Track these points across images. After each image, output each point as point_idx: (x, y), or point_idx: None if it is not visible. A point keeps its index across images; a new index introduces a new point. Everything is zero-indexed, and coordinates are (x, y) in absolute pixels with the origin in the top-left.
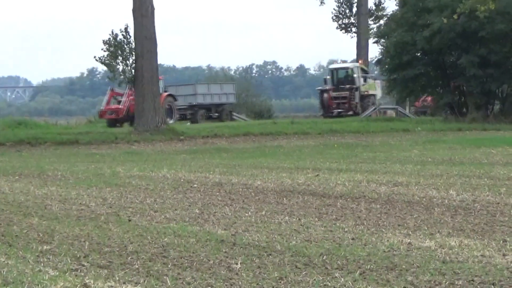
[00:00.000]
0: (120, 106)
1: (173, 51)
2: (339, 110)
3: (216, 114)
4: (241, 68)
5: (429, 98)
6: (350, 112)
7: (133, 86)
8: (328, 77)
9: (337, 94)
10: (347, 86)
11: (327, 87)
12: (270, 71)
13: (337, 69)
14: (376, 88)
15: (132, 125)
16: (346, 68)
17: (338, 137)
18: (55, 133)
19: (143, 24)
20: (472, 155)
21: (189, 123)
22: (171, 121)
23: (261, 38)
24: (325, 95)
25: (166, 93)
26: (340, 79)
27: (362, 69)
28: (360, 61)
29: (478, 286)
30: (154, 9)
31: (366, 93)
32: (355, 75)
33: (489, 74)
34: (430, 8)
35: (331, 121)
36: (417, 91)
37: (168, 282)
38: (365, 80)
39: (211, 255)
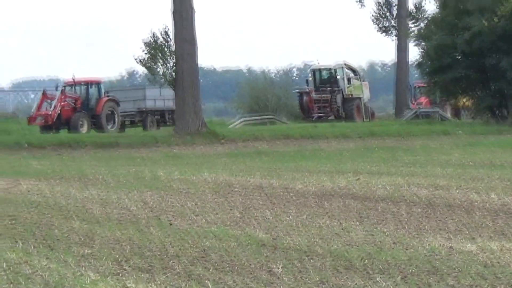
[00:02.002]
0: (49, 112)
1: (213, 53)
2: (320, 114)
3: (171, 121)
4: (281, 71)
5: (424, 101)
6: (331, 117)
7: (172, 88)
8: (310, 78)
9: (318, 97)
10: (329, 88)
11: (307, 89)
12: None
13: (320, 70)
14: (362, 90)
15: (70, 132)
16: (329, 69)
17: (379, 140)
18: (96, 135)
19: (183, 26)
20: None
21: (231, 126)
22: (113, 128)
23: (300, 40)
24: (305, 97)
25: (106, 97)
26: (323, 80)
27: (351, 69)
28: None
29: None
30: (194, 11)
31: (350, 95)
32: (338, 76)
33: None
34: (471, 10)
35: (371, 124)
36: (458, 94)
37: (210, 286)
38: (349, 82)
39: (252, 258)
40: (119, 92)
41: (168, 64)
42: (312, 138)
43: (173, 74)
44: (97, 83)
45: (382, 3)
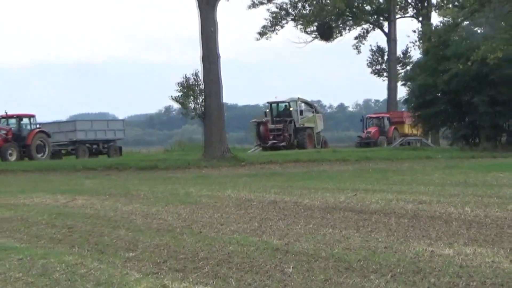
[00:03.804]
0: None
1: (236, 91)
2: (274, 141)
3: (105, 150)
4: None
5: (373, 130)
6: (283, 143)
7: (203, 120)
8: (267, 110)
9: (274, 127)
10: (282, 119)
11: (263, 120)
12: None
13: (276, 103)
14: (316, 121)
15: (2, 160)
16: (284, 102)
17: (372, 163)
18: (138, 160)
19: (210, 69)
20: (484, 178)
21: (250, 151)
22: (43, 157)
23: (307, 80)
24: (262, 127)
25: (37, 130)
26: (279, 112)
27: (307, 103)
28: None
29: (490, 287)
30: (219, 56)
31: (302, 126)
32: (291, 109)
33: (497, 111)
34: (449, 56)
35: (366, 150)
36: (438, 126)
37: (233, 283)
38: (301, 114)
39: (268, 261)
40: (54, 125)
41: (198, 101)
42: (317, 161)
43: (202, 109)
44: (29, 117)
45: (375, 50)
